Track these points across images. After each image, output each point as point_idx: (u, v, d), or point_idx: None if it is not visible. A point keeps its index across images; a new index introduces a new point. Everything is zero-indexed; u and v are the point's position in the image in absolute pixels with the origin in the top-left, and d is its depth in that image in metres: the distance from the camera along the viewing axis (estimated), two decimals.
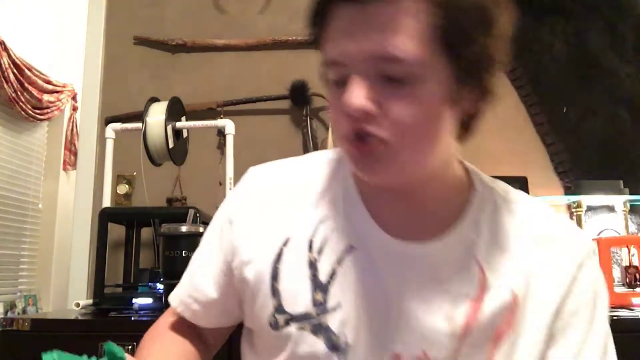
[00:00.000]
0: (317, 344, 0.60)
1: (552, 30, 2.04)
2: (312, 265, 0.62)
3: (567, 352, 0.60)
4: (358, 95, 0.52)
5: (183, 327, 0.72)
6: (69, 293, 2.00)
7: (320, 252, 0.62)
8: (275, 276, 0.63)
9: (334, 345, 0.60)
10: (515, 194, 0.68)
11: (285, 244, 0.63)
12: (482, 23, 0.53)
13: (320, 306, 0.60)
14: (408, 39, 0.51)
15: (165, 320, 0.74)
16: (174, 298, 0.73)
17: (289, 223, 0.64)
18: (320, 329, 0.60)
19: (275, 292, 0.62)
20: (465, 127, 0.61)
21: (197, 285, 0.70)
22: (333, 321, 0.60)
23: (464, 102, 0.57)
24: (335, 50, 0.54)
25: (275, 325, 0.62)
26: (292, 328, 0.61)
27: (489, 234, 0.62)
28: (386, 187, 0.61)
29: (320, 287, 0.61)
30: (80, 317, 1.43)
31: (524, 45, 2.04)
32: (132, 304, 1.46)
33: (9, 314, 2.74)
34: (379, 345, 0.59)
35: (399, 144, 0.54)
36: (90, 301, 1.55)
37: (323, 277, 0.61)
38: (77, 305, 1.53)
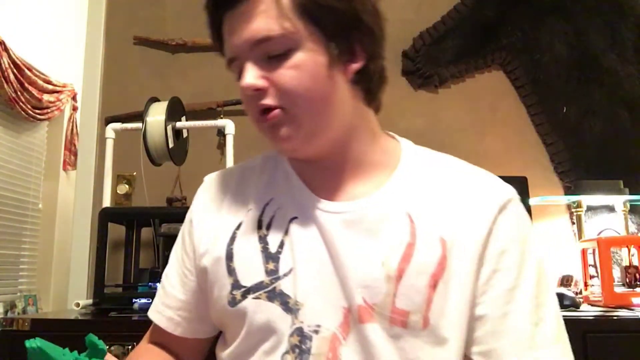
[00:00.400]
0: (273, 309, 0.65)
1: (552, 30, 2.04)
2: (262, 240, 0.69)
3: (502, 287, 0.64)
4: (250, 76, 0.64)
5: (159, 347, 0.79)
6: (69, 293, 1.99)
7: (268, 227, 0.70)
8: (230, 257, 0.69)
9: (288, 307, 0.65)
10: (443, 155, 0.75)
11: (237, 227, 0.71)
12: None
13: (273, 273, 0.66)
14: (271, 20, 0.62)
15: (145, 340, 0.81)
16: (150, 310, 0.79)
17: (239, 211, 0.73)
18: (274, 295, 0.65)
19: (231, 270, 0.68)
20: (367, 92, 0.70)
21: (168, 292, 0.77)
22: (286, 285, 0.65)
23: (346, 64, 0.66)
24: (228, 49, 0.67)
25: (233, 302, 0.67)
26: (249, 300, 0.66)
27: (417, 189, 0.69)
28: (308, 157, 0.70)
29: (271, 257, 0.67)
30: (80, 317, 1.43)
31: (524, 45, 2.05)
32: (132, 304, 1.46)
33: (9, 314, 2.74)
34: (328, 302, 0.64)
35: (294, 107, 0.64)
36: (90, 301, 1.55)
37: (273, 248, 0.68)
38: (77, 305, 1.53)
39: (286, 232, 0.69)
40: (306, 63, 0.63)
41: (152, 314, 0.79)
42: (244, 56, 0.65)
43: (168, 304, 0.77)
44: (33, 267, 3.27)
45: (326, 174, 0.71)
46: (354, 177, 0.71)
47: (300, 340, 0.63)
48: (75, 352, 0.55)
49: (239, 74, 0.66)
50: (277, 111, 0.64)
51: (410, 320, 0.62)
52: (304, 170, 0.73)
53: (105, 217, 1.61)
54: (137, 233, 1.80)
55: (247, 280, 0.67)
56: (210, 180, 0.80)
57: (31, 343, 0.53)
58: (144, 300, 1.45)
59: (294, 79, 0.63)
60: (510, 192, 0.70)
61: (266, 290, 0.66)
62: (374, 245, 0.65)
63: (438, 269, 0.64)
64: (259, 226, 0.70)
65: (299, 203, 0.70)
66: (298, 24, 0.63)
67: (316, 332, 0.63)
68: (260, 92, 0.64)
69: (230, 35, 0.66)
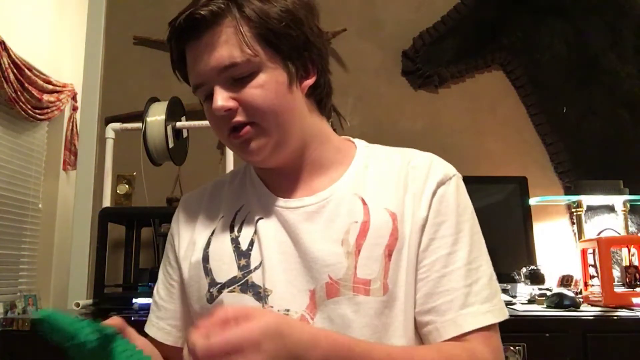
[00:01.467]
0: (246, 299, 0.72)
1: (552, 30, 2.05)
2: (235, 241, 0.77)
3: (439, 253, 0.72)
4: (220, 99, 0.71)
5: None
6: (69, 293, 1.99)
7: (240, 229, 0.78)
8: (206, 259, 0.77)
9: (259, 296, 0.72)
10: (394, 148, 0.83)
11: (212, 234, 0.79)
12: (289, 23, 0.72)
13: (245, 268, 0.74)
14: (234, 48, 0.70)
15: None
16: (146, 326, 0.84)
17: (213, 220, 0.81)
18: (247, 287, 0.73)
19: (207, 271, 0.76)
20: (319, 102, 0.80)
21: (159, 305, 0.84)
22: (257, 277, 0.73)
23: (301, 80, 0.75)
24: (194, 76, 0.74)
25: (211, 299, 0.74)
26: (224, 294, 0.73)
27: (368, 176, 0.78)
28: (274, 166, 0.77)
29: (242, 255, 0.75)
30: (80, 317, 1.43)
31: (524, 45, 2.05)
32: (132, 304, 1.46)
33: (9, 314, 2.74)
34: (294, 288, 0.71)
35: (263, 121, 0.72)
36: (90, 301, 1.55)
37: (244, 247, 0.76)
38: (77, 305, 1.53)
39: (255, 232, 0.76)
40: (269, 82, 0.72)
41: (147, 328, 0.85)
42: (211, 81, 0.72)
43: (160, 316, 0.84)
44: (33, 267, 3.27)
45: (287, 177, 0.79)
46: (312, 175, 0.79)
47: None
48: (87, 320, 0.57)
49: (205, 97, 0.74)
50: (248, 127, 0.72)
51: (372, 288, 0.70)
52: (267, 177, 0.82)
53: (105, 217, 1.61)
54: (137, 233, 1.80)
55: (221, 277, 0.75)
56: (186, 199, 0.89)
57: (42, 312, 0.56)
58: (144, 300, 1.45)
59: (260, 97, 0.71)
60: (450, 170, 0.79)
61: (239, 283, 0.73)
62: (333, 228, 0.73)
63: (391, 239, 0.72)
64: (231, 229, 0.79)
65: (264, 205, 0.79)
66: (258, 49, 0.71)
67: (286, 315, 0.70)
68: (230, 111, 0.71)
69: (196, 64, 0.73)
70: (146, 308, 1.44)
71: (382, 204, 0.74)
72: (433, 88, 2.08)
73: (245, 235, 0.77)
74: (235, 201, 0.82)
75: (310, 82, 0.76)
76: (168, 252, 0.85)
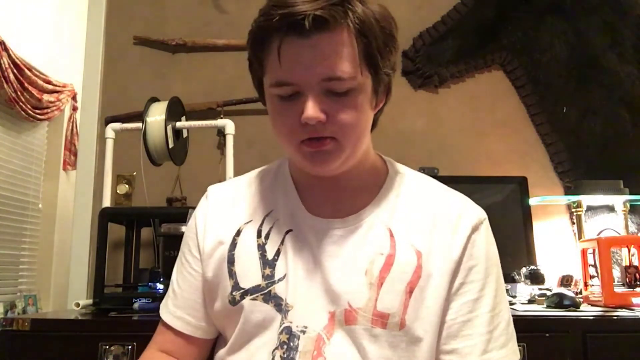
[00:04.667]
0: (267, 309, 0.74)
1: (552, 30, 2.04)
2: (261, 248, 0.78)
3: (468, 298, 0.74)
4: (314, 109, 0.68)
5: (165, 354, 0.83)
6: (69, 293, 1.99)
7: (267, 237, 0.78)
8: (231, 261, 0.78)
9: (280, 308, 0.73)
10: (422, 177, 0.85)
11: (237, 234, 0.79)
12: (389, 44, 0.74)
13: (269, 278, 0.75)
14: (347, 63, 0.68)
15: (150, 348, 0.84)
16: (161, 311, 0.85)
17: (240, 220, 0.81)
18: (269, 297, 0.74)
19: (231, 274, 0.77)
20: (373, 122, 0.79)
21: (177, 294, 0.83)
22: (280, 289, 0.74)
23: (377, 104, 0.77)
24: (287, 74, 0.69)
25: (233, 302, 0.76)
26: (247, 300, 0.75)
27: (397, 207, 0.78)
28: (325, 176, 0.77)
29: (268, 264, 0.76)
30: (80, 317, 1.42)
31: (524, 45, 2.05)
32: (132, 304, 1.46)
33: (9, 314, 2.74)
34: (315, 306, 0.73)
35: (344, 140, 0.71)
36: (90, 301, 1.55)
37: (270, 256, 0.77)
38: (77, 305, 1.53)
39: (282, 242, 0.78)
40: (363, 105, 0.72)
41: (164, 314, 0.84)
42: (307, 86, 0.69)
43: (177, 305, 0.83)
44: (33, 267, 3.27)
45: (323, 194, 0.80)
46: (345, 196, 0.80)
47: (289, 338, 0.72)
48: None
49: (286, 96, 0.71)
50: (329, 140, 0.71)
51: (389, 322, 0.71)
52: (305, 189, 0.82)
53: (105, 217, 1.61)
54: (137, 233, 1.80)
55: (245, 283, 0.76)
56: (213, 191, 0.87)
57: None
58: (144, 300, 1.45)
59: (354, 119, 0.71)
60: (482, 214, 0.80)
61: (262, 292, 0.75)
62: (358, 256, 0.74)
63: (414, 277, 0.73)
64: (259, 235, 0.79)
65: (295, 218, 0.79)
66: (363, 69, 0.70)
67: (303, 332, 0.72)
68: (318, 123, 0.69)
69: (295, 63, 0.68)
70: (146, 308, 1.44)
71: (409, 240, 0.75)
72: (433, 88, 2.08)
73: (272, 244, 0.78)
74: (264, 204, 0.82)
75: (381, 105, 0.78)
76: (189, 241, 0.84)
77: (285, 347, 0.72)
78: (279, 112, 0.73)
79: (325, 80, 0.68)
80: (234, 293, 0.76)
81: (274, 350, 0.72)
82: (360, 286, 0.72)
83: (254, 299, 0.75)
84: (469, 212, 0.78)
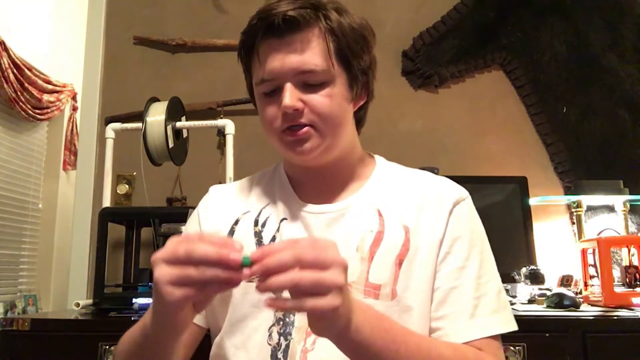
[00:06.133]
0: None
1: (552, 30, 2.05)
2: (258, 235, 0.84)
3: (453, 266, 0.79)
4: (291, 98, 0.77)
5: None
6: (69, 293, 1.99)
7: (263, 226, 0.85)
8: None
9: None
10: (410, 169, 0.92)
11: (236, 223, 0.86)
12: (361, 43, 0.82)
13: None
14: (318, 57, 0.78)
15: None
16: None
17: (238, 211, 0.88)
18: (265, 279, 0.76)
19: None
20: (358, 120, 0.89)
21: None
22: None
23: (356, 100, 0.85)
24: (267, 72, 0.79)
25: None
26: (244, 282, 0.76)
27: (385, 191, 0.86)
28: (313, 166, 0.84)
29: None
30: (80, 317, 1.42)
31: (524, 45, 2.05)
32: (132, 304, 1.46)
33: (9, 314, 2.74)
34: None
35: (322, 127, 0.79)
36: (90, 301, 1.55)
37: (266, 241, 0.83)
38: (77, 305, 1.53)
39: (277, 230, 0.84)
40: (337, 95, 0.80)
41: None
42: (283, 79, 0.78)
43: None
44: (33, 267, 3.27)
45: (315, 184, 0.87)
46: (336, 184, 0.87)
47: (285, 314, 0.78)
48: None
49: (267, 92, 0.80)
50: (307, 128, 0.79)
51: (381, 293, 0.77)
52: (298, 181, 0.89)
53: (105, 217, 1.61)
54: (137, 233, 1.80)
55: None
56: (215, 190, 0.96)
57: None
58: (144, 300, 1.45)
59: (327, 105, 0.79)
60: (464, 192, 0.87)
61: (258, 276, 0.76)
62: (350, 235, 0.80)
63: (402, 250, 0.79)
64: (255, 224, 0.85)
65: (289, 207, 0.86)
66: (336, 64, 0.79)
67: None
68: (296, 112, 0.78)
69: (272, 60, 0.78)
70: (146, 308, 1.44)
71: (397, 218, 0.82)
72: (433, 88, 2.08)
73: (268, 231, 0.84)
74: (262, 198, 0.90)
75: (361, 102, 0.87)
76: (189, 228, 0.92)
77: (281, 322, 0.77)
78: (263, 107, 0.82)
79: (300, 73, 0.77)
80: None
81: (270, 327, 0.77)
82: (352, 261, 0.76)
83: (250, 281, 0.76)
84: (452, 190, 0.86)
